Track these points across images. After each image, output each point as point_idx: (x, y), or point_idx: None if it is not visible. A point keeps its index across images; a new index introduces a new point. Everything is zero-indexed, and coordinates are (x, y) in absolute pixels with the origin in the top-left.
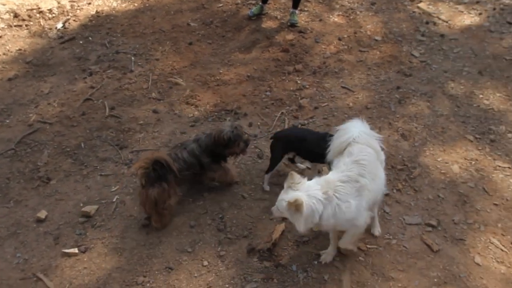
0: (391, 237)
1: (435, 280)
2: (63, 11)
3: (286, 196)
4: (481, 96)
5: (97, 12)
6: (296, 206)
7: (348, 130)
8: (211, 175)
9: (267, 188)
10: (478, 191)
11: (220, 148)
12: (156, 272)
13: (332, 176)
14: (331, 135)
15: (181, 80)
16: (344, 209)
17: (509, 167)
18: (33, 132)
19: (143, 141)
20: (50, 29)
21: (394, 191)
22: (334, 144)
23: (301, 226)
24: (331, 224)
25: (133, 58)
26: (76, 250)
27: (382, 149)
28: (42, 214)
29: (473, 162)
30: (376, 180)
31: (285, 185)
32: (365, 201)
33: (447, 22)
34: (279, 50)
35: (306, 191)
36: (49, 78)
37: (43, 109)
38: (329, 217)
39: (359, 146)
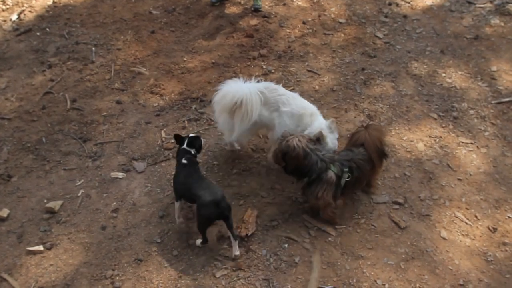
0: (359, 216)
1: (403, 256)
2: (18, 2)
3: None
4: (443, 75)
5: (54, 2)
6: None
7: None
8: None
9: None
10: (442, 167)
11: None
12: (125, 265)
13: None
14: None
15: (145, 69)
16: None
17: (471, 143)
18: None
19: (107, 133)
20: (5, 21)
21: None
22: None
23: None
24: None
25: (93, 48)
26: (41, 248)
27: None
28: (4, 212)
29: (437, 140)
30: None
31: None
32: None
33: (409, 3)
34: (243, 35)
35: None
36: (5, 72)
37: (0, 104)
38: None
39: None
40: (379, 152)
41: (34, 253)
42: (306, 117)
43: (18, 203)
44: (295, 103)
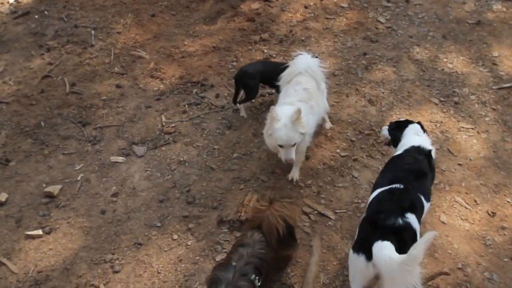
0: (359, 201)
1: None
2: None
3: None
4: (445, 60)
5: None
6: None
7: (297, 63)
8: None
9: (244, 114)
10: (443, 152)
11: None
12: (125, 249)
13: (287, 100)
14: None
15: (145, 53)
16: (305, 121)
17: (472, 128)
18: None
19: (107, 117)
20: (2, 3)
21: (364, 156)
22: (285, 75)
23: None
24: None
25: (93, 32)
26: (40, 232)
27: (325, 80)
28: (2, 197)
29: (438, 125)
30: (320, 105)
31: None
32: (315, 119)
33: None
34: (244, 19)
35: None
36: (3, 56)
37: None
38: (304, 127)
39: (305, 77)
40: (283, 238)
41: (33, 237)
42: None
43: (17, 187)
44: None
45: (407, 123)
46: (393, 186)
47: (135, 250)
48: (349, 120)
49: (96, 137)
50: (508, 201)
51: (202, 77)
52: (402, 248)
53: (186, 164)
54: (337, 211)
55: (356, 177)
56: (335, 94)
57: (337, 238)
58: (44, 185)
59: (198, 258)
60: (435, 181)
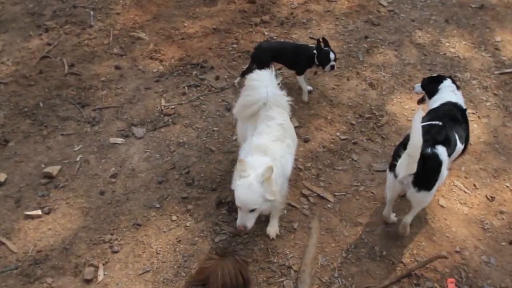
0: (359, 184)
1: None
2: None
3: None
4: (447, 44)
5: None
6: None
7: (258, 91)
8: None
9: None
10: None
11: None
12: (124, 229)
13: (260, 141)
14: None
15: (144, 34)
16: (284, 163)
17: (473, 113)
18: None
19: (106, 98)
20: None
21: (364, 139)
22: (239, 105)
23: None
24: (281, 186)
25: (92, 12)
26: (39, 212)
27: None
28: (1, 177)
29: None
30: (294, 144)
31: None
32: (292, 159)
33: None
34: (245, 1)
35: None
36: (0, 36)
37: None
38: (278, 176)
39: (276, 109)
40: None
41: (32, 217)
42: None
43: (16, 168)
44: None
45: (441, 78)
46: (433, 122)
47: (134, 230)
48: (350, 104)
49: (95, 118)
50: (507, 186)
51: (202, 59)
52: (424, 173)
53: (186, 146)
54: (336, 194)
55: (355, 160)
56: (335, 77)
57: (335, 221)
58: (43, 166)
59: (197, 239)
60: None
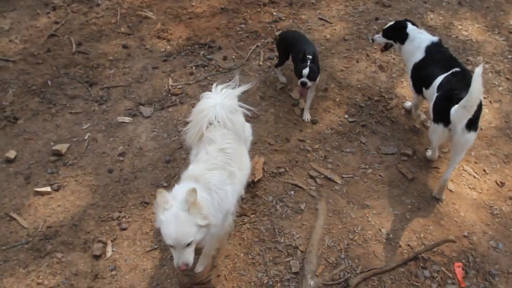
0: (367, 166)
1: (409, 206)
2: None
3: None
4: (460, 27)
5: None
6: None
7: (203, 110)
8: None
9: (283, 80)
10: None
11: None
12: (132, 207)
13: (195, 170)
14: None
15: (151, 13)
16: (223, 196)
17: (484, 97)
18: None
19: (113, 77)
20: None
21: (372, 122)
22: (190, 127)
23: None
24: (217, 219)
25: None
26: (48, 189)
27: (248, 119)
28: (11, 154)
29: None
30: (243, 171)
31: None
32: (238, 189)
33: None
34: None
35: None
36: (8, 14)
37: (4, 46)
38: (215, 210)
39: (220, 131)
40: None
41: (41, 194)
42: None
43: (25, 145)
44: None
45: (402, 23)
46: (454, 70)
47: (141, 208)
48: (358, 86)
49: (103, 97)
50: None
51: (210, 39)
52: (475, 116)
53: None
54: (344, 176)
55: (364, 143)
56: (345, 59)
57: (343, 203)
58: (52, 143)
59: None
60: (444, 149)
